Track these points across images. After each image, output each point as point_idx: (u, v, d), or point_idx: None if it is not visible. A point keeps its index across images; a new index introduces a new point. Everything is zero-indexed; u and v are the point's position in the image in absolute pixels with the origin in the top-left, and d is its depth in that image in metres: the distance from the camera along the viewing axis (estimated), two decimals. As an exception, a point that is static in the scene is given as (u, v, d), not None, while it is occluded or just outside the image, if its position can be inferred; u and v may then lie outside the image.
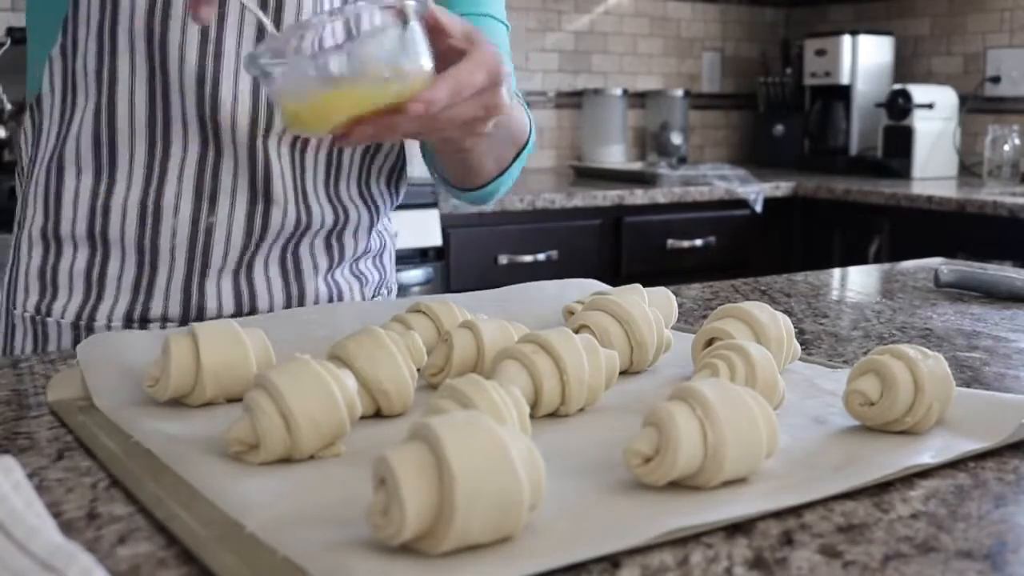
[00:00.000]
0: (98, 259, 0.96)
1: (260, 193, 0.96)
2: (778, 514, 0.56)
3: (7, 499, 0.48)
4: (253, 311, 0.99)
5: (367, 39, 0.70)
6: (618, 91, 3.44)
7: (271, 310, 1.00)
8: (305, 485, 0.59)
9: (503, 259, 2.60)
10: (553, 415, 0.72)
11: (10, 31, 2.35)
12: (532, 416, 0.66)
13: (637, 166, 3.32)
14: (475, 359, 0.79)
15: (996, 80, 3.30)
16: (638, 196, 2.77)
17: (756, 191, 2.91)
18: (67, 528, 0.53)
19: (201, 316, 0.97)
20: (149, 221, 0.95)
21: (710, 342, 0.82)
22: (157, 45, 0.90)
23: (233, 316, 0.97)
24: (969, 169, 3.26)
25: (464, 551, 0.49)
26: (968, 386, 0.80)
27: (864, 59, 3.36)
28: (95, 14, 0.92)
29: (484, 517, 0.48)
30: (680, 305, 1.03)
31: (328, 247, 1.02)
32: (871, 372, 0.69)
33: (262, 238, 0.97)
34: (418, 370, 0.76)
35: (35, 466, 0.63)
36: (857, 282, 1.39)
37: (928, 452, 0.64)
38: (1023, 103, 3.24)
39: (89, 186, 0.95)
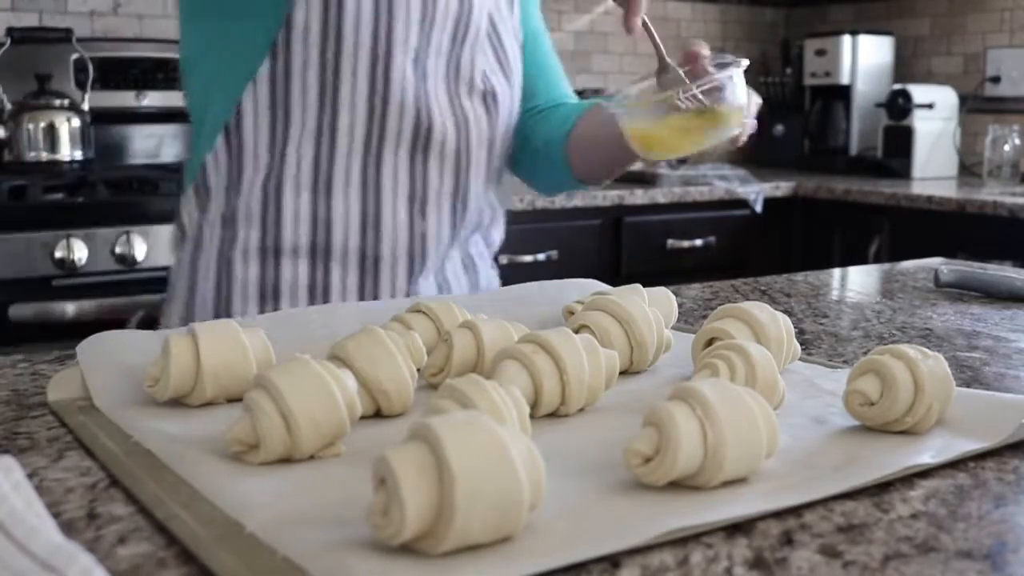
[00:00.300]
0: (319, 270, 1.04)
1: (460, 198, 1.09)
2: (778, 514, 0.56)
3: (7, 499, 0.48)
4: None
5: (726, 86, 0.91)
6: (618, 91, 3.43)
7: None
8: (305, 485, 0.59)
9: (503, 259, 2.60)
10: (553, 415, 0.72)
11: (10, 31, 2.35)
12: (532, 416, 0.66)
13: (637, 166, 3.32)
14: (475, 359, 0.79)
15: (996, 80, 3.30)
16: (638, 196, 2.77)
17: (756, 191, 2.91)
18: (67, 528, 0.53)
19: None
20: (370, 230, 1.04)
21: (710, 342, 0.81)
22: (381, 69, 1.00)
23: None
24: (969, 169, 3.26)
25: (464, 551, 0.49)
26: (968, 386, 0.80)
27: (864, 59, 3.36)
28: (315, 42, 0.98)
29: (484, 517, 0.48)
30: (680, 305, 1.03)
31: (486, 239, 1.20)
32: (871, 372, 0.69)
33: (455, 238, 1.11)
34: (418, 370, 0.76)
35: (35, 466, 0.63)
36: (857, 282, 1.39)
37: (928, 452, 0.64)
38: (1023, 103, 3.24)
39: (308, 200, 1.03)
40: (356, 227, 1.04)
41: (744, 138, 0.96)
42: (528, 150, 1.21)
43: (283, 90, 1.00)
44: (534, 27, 1.22)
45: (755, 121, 0.97)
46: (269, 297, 1.05)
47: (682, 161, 3.40)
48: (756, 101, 0.96)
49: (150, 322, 1.61)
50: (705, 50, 0.94)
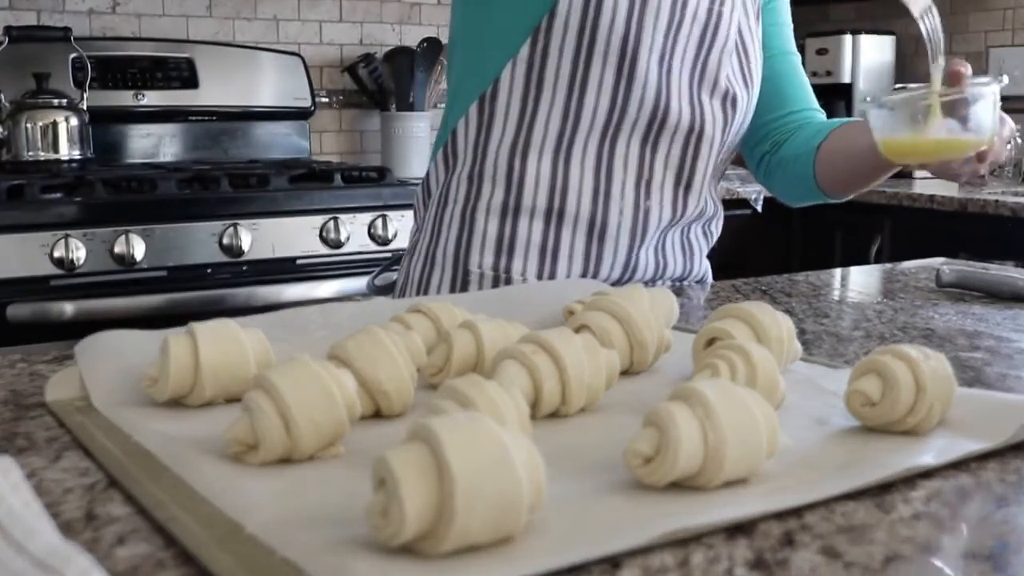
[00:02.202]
0: (552, 231, 1.15)
1: (683, 187, 1.19)
2: (779, 515, 0.55)
3: (5, 500, 0.48)
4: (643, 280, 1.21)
5: (978, 100, 0.95)
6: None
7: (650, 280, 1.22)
8: (305, 485, 0.58)
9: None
10: (553, 415, 0.72)
11: (8, 30, 2.35)
12: (532, 416, 0.66)
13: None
14: (475, 359, 0.78)
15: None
16: (639, 196, 2.77)
17: (757, 191, 2.90)
18: (65, 529, 0.53)
19: (632, 277, 1.19)
20: (600, 201, 1.16)
21: (710, 342, 0.81)
22: (628, 64, 1.11)
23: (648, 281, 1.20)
24: (970, 169, 3.26)
25: (464, 551, 0.49)
26: (970, 386, 0.80)
27: (865, 58, 3.36)
28: (573, 34, 1.09)
29: (484, 517, 0.48)
30: (680, 305, 1.02)
31: (705, 230, 1.28)
32: (872, 372, 0.69)
33: (676, 222, 1.21)
34: (418, 370, 0.76)
35: (33, 466, 0.63)
36: (858, 282, 1.38)
37: (930, 453, 0.64)
38: (1024, 103, 3.24)
39: (548, 168, 1.14)
40: (588, 197, 1.16)
41: (992, 159, 1.01)
42: (777, 158, 1.30)
43: (538, 70, 1.12)
44: (785, 47, 1.33)
45: (1007, 145, 1.01)
46: (504, 251, 1.16)
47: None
48: (1011, 127, 1.02)
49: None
50: (967, 70, 0.97)
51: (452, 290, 1.18)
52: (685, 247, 1.25)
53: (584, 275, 1.15)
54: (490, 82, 1.14)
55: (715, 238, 1.30)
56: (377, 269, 1.44)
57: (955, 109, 0.95)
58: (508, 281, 1.16)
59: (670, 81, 1.13)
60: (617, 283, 1.16)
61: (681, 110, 1.14)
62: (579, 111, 1.13)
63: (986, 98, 0.95)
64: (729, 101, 1.18)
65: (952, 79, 0.97)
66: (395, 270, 1.35)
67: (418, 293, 1.21)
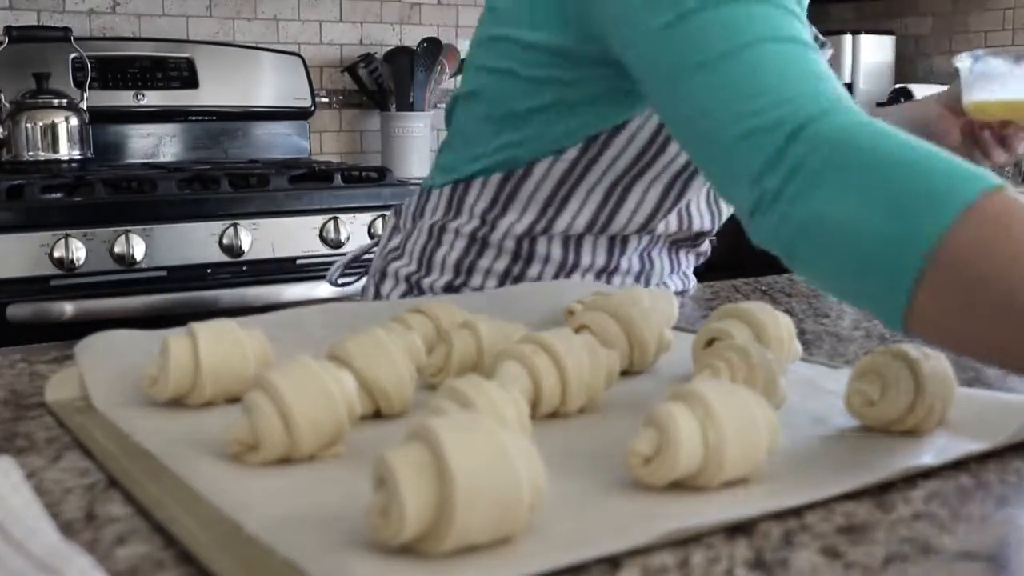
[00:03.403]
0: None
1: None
2: (779, 515, 0.55)
3: (5, 500, 0.48)
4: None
5: None
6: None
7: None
8: (305, 485, 0.58)
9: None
10: (553, 415, 0.72)
11: (8, 30, 2.35)
12: (532, 416, 0.66)
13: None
14: (475, 359, 0.78)
15: (997, 79, 3.30)
16: (639, 196, 2.77)
17: (757, 191, 2.91)
18: (65, 529, 0.53)
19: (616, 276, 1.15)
20: (604, 277, 1.14)
21: (710, 342, 0.81)
22: (681, 181, 1.09)
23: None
24: (970, 169, 3.26)
25: (464, 551, 0.49)
26: (970, 386, 0.80)
27: (865, 58, 3.36)
28: (633, 151, 1.05)
29: (484, 517, 0.48)
30: (680, 305, 1.02)
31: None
32: (872, 372, 0.69)
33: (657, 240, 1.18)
34: (418, 370, 0.76)
35: (33, 466, 0.63)
36: (858, 282, 1.38)
37: (930, 453, 0.64)
38: (1024, 102, 3.23)
39: (559, 253, 1.12)
40: (592, 275, 1.13)
41: None
42: None
43: (580, 174, 1.07)
44: None
45: None
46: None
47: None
48: None
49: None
50: None
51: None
52: (673, 261, 1.23)
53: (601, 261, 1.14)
54: (523, 163, 1.08)
55: (704, 250, 1.28)
56: (336, 268, 1.39)
57: None
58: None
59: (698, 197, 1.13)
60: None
61: (684, 217, 1.15)
62: (610, 221, 1.10)
63: None
64: (715, 200, 1.18)
65: None
66: (355, 271, 1.36)
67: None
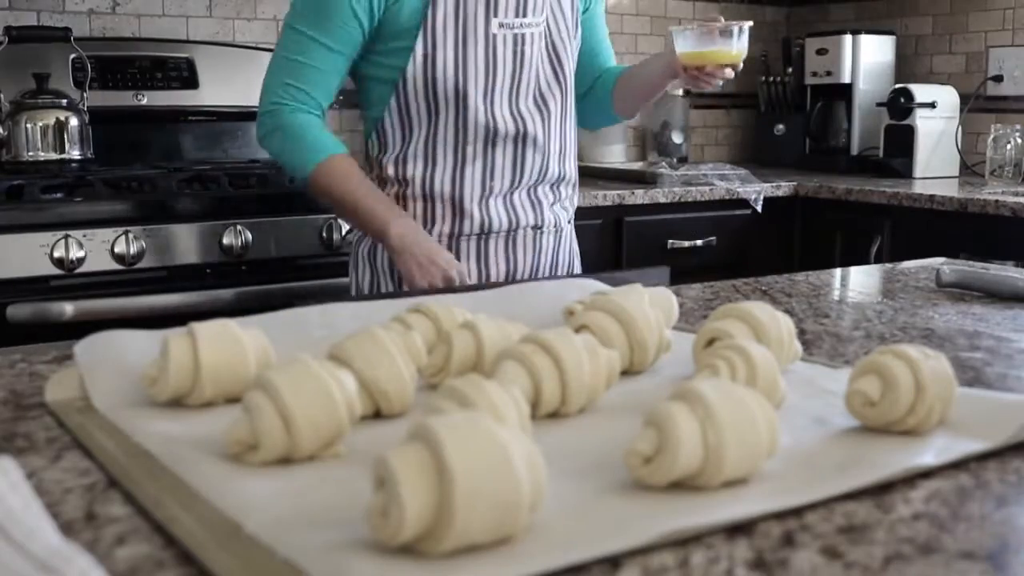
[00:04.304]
0: (427, 205, 1.61)
1: (519, 167, 1.61)
2: (779, 515, 0.55)
3: (5, 500, 0.48)
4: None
5: (743, 37, 1.57)
6: (619, 90, 3.42)
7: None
8: (305, 485, 0.58)
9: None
10: (553, 415, 0.72)
11: (7, 30, 2.35)
12: (532, 416, 0.66)
13: (638, 166, 3.32)
14: (475, 359, 0.78)
15: (998, 79, 3.29)
16: (639, 196, 2.77)
17: (757, 191, 2.90)
18: (65, 529, 0.53)
19: (489, 227, 1.59)
20: (457, 188, 1.59)
21: (711, 342, 0.81)
22: (461, 102, 1.56)
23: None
24: (971, 169, 3.26)
25: (464, 551, 0.49)
26: (970, 387, 0.80)
27: (865, 58, 3.36)
28: (420, 87, 1.56)
29: (484, 517, 0.48)
30: (680, 305, 1.02)
31: (554, 189, 1.68)
32: (872, 372, 0.69)
33: (518, 185, 1.62)
34: (418, 370, 0.76)
35: (33, 467, 0.63)
36: (858, 282, 1.38)
37: (930, 453, 0.64)
38: (1024, 102, 3.23)
39: (420, 170, 1.59)
40: (448, 186, 1.57)
41: (731, 70, 1.59)
42: (586, 99, 1.76)
43: (405, 112, 1.55)
44: (599, 35, 1.76)
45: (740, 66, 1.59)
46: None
47: (683, 160, 3.41)
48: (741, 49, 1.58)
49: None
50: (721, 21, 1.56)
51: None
52: (533, 201, 1.62)
53: (451, 230, 1.57)
54: (381, 114, 1.57)
55: (566, 196, 1.68)
56: None
57: (723, 35, 1.54)
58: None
59: (493, 106, 1.54)
60: (479, 236, 1.58)
61: (505, 123, 1.55)
62: (435, 137, 1.54)
63: (744, 32, 1.55)
64: (543, 103, 1.59)
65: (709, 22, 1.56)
66: None
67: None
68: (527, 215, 1.62)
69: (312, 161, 1.51)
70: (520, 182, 1.62)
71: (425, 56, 1.50)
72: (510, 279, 1.60)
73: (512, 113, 1.57)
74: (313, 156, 1.51)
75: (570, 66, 1.64)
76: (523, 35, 1.56)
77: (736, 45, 1.56)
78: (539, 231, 1.64)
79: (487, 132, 1.55)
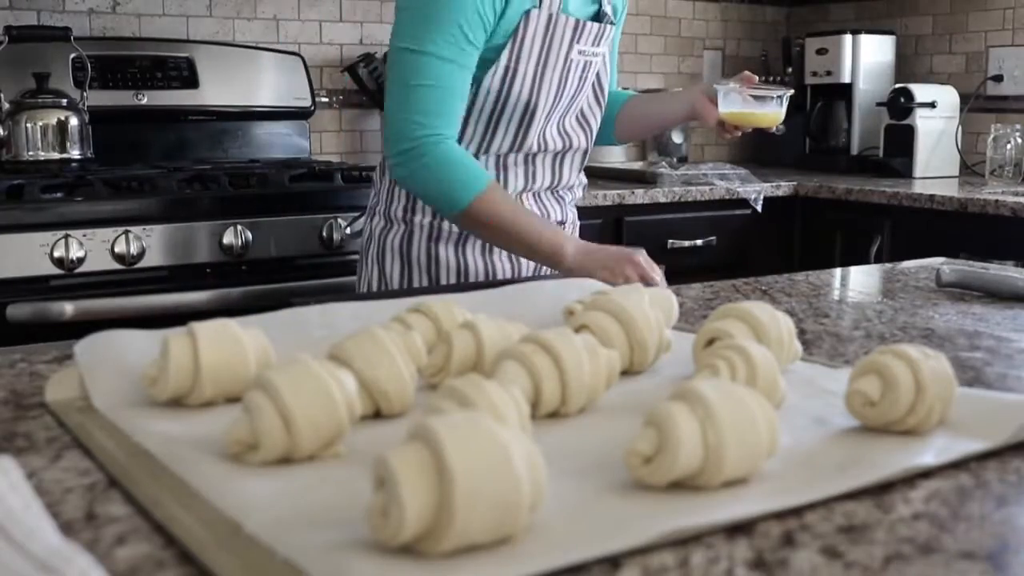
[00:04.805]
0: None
1: (558, 178, 1.69)
2: (779, 515, 0.55)
3: (5, 500, 0.48)
4: None
5: (775, 101, 1.61)
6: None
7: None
8: (305, 485, 0.58)
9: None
10: (553, 415, 0.72)
11: (8, 29, 2.35)
12: (532, 416, 0.66)
13: (638, 165, 3.32)
14: (475, 359, 0.78)
15: (998, 79, 3.30)
16: (639, 196, 2.77)
17: (757, 191, 2.90)
18: (65, 529, 0.53)
19: None
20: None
21: (711, 342, 0.81)
22: (528, 115, 1.58)
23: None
24: (971, 168, 3.26)
25: (464, 551, 0.49)
26: (970, 386, 0.80)
27: (865, 58, 3.36)
28: (491, 98, 1.55)
29: (484, 517, 0.48)
30: (680, 305, 1.02)
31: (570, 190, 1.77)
32: (872, 372, 0.69)
33: (530, 188, 1.67)
34: (418, 370, 0.76)
35: (33, 466, 0.63)
36: (858, 282, 1.38)
37: (930, 452, 0.64)
38: (1024, 102, 3.23)
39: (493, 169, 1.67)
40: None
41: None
42: None
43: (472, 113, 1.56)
44: (617, 35, 1.75)
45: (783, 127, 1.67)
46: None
47: (683, 160, 3.41)
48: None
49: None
50: (756, 79, 1.63)
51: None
52: (557, 199, 1.69)
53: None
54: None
55: (577, 196, 1.75)
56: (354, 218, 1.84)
57: (762, 100, 1.60)
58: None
59: (549, 123, 1.59)
60: None
61: (553, 139, 1.61)
62: (488, 148, 1.57)
63: (783, 100, 1.61)
64: (584, 120, 1.66)
65: (747, 82, 1.60)
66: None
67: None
68: (551, 212, 1.66)
69: (472, 191, 1.43)
70: (556, 185, 1.67)
71: (507, 69, 1.50)
72: (516, 275, 1.59)
73: (559, 130, 1.61)
74: (471, 187, 1.44)
75: (608, 85, 1.71)
76: (592, 62, 1.60)
77: (778, 111, 1.60)
78: (561, 226, 1.67)
79: (538, 147, 1.58)
